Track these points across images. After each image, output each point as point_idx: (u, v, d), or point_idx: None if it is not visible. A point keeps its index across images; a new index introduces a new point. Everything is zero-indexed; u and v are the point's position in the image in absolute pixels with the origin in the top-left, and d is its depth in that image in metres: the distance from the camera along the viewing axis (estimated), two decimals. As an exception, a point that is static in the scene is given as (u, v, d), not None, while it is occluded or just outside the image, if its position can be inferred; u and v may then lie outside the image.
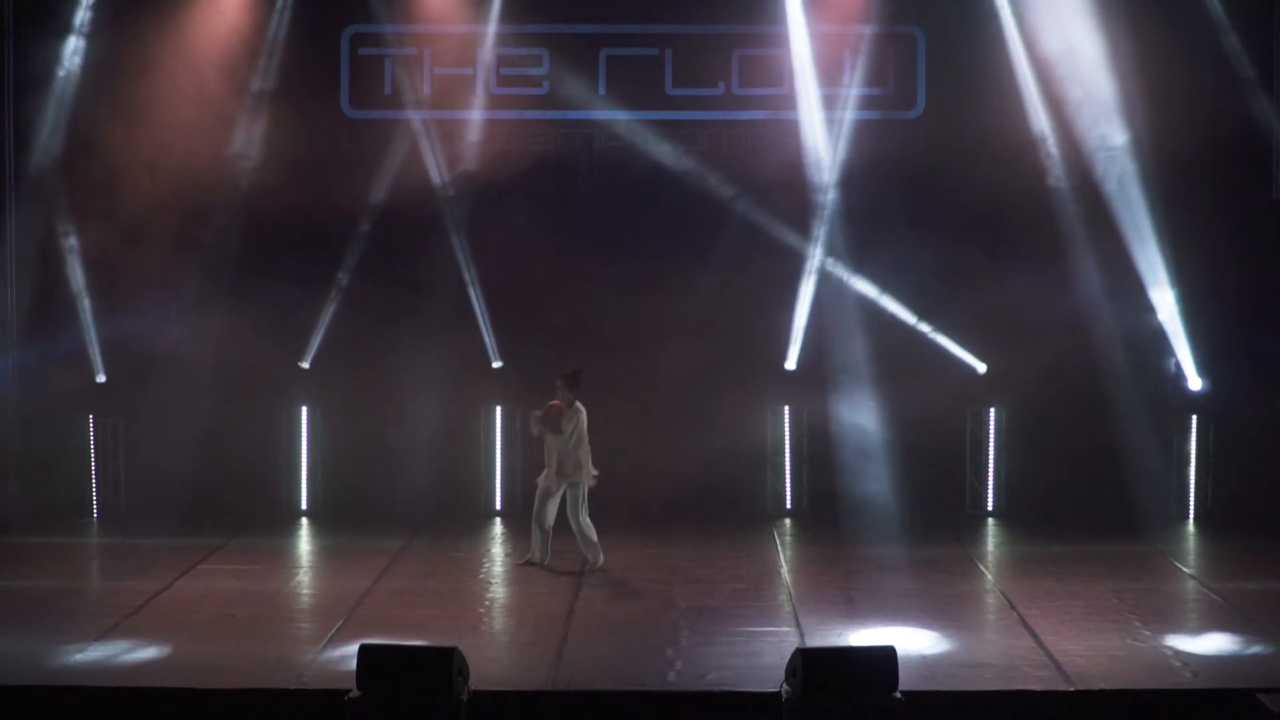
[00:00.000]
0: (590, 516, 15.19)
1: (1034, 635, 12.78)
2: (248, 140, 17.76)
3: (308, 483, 18.18)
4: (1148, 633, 12.92)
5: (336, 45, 18.11)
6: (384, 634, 12.23)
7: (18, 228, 17.63)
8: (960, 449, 18.11)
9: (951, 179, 17.50)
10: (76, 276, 17.86)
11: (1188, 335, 17.81)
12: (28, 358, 17.78)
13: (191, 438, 17.19)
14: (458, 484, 17.93)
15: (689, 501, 17.49)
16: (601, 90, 18.00)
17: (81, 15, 17.70)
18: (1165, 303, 17.72)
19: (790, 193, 17.94)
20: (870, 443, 17.71)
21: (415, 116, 17.98)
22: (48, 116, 17.68)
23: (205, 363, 17.28)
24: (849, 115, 17.91)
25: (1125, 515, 17.15)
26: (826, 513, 17.61)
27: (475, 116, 17.98)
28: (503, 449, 18.14)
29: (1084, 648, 12.36)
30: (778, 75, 18.03)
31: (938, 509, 17.73)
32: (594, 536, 15.18)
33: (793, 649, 10.80)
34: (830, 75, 17.90)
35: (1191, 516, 17.96)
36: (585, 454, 15.10)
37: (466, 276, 17.94)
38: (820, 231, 17.96)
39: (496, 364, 18.09)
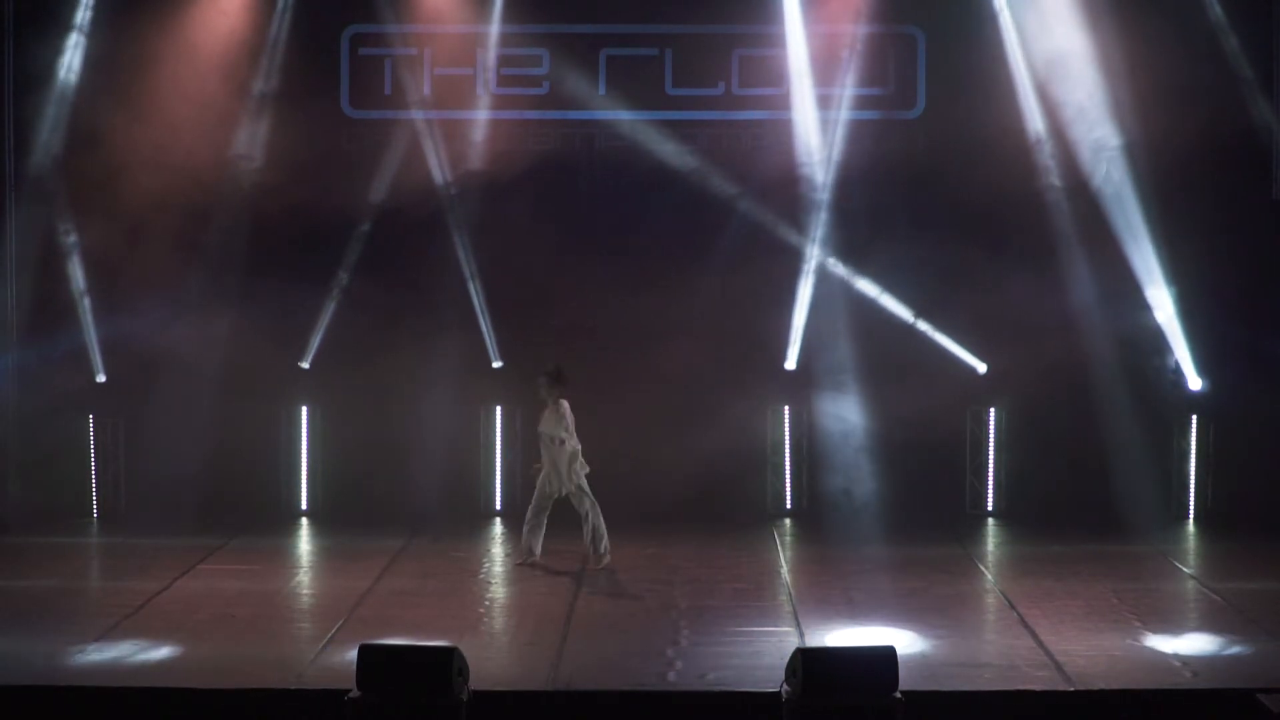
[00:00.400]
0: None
1: (1034, 635, 12.78)
2: (248, 140, 17.76)
3: (308, 483, 18.18)
4: (1148, 633, 12.92)
5: (337, 45, 18.11)
6: (384, 634, 12.23)
7: (18, 228, 17.63)
8: (960, 449, 18.10)
9: (951, 179, 17.50)
10: (77, 276, 17.87)
11: (1188, 335, 17.81)
12: (28, 358, 17.78)
13: (192, 438, 17.18)
14: (458, 484, 17.92)
15: (689, 501, 17.48)
16: (602, 90, 18.00)
17: (82, 15, 17.70)
18: (1165, 303, 17.72)
19: (790, 193, 17.94)
20: (870, 442, 17.71)
21: (415, 116, 17.98)
22: (48, 116, 17.69)
23: (206, 363, 17.28)
24: (849, 115, 17.91)
25: (1125, 515, 17.14)
26: (826, 513, 17.61)
27: (475, 116, 17.99)
28: (503, 449, 18.14)
29: (1084, 648, 12.37)
30: (778, 75, 18.02)
31: (938, 509, 17.74)
32: (604, 529, 15.19)
33: (793, 649, 10.80)
34: (830, 75, 17.89)
35: (1191, 516, 17.96)
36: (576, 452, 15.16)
37: (466, 276, 17.94)
38: (820, 231, 17.96)
39: (497, 364, 18.09)
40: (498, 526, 17.67)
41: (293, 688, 11.34)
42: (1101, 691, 11.30)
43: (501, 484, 18.17)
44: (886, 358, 17.68)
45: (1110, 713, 11.17)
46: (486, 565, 15.95)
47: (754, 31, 18.01)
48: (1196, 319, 17.77)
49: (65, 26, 17.69)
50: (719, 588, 14.62)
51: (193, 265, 17.55)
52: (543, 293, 17.80)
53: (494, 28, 17.89)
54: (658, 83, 18.08)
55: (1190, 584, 14.99)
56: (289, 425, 18.14)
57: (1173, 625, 13.30)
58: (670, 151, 17.89)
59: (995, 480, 18.18)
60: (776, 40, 17.94)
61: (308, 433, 18.17)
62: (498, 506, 18.15)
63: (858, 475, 17.71)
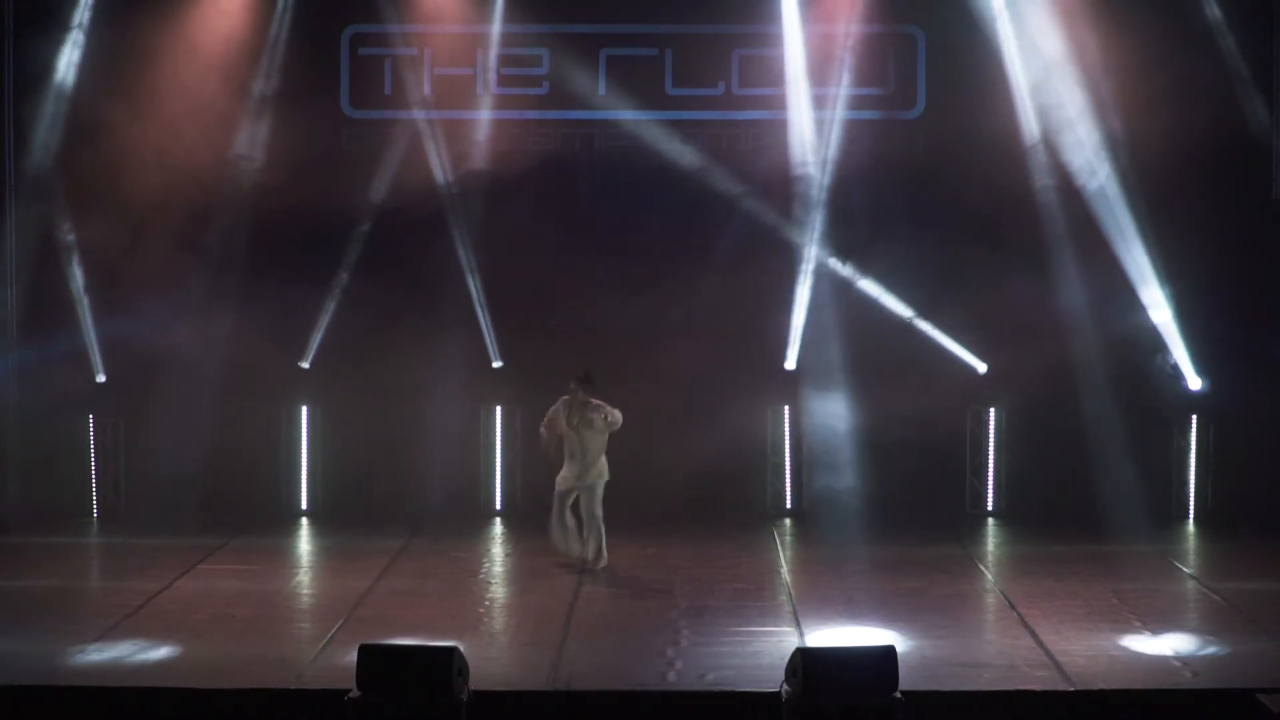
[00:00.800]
0: (593, 515, 15.27)
1: (1034, 635, 12.78)
2: (248, 140, 17.76)
3: (308, 483, 18.18)
4: (1148, 633, 12.93)
5: (337, 45, 18.11)
6: (384, 634, 12.23)
7: (18, 227, 17.63)
8: (960, 449, 18.11)
9: (951, 179, 17.50)
10: (76, 276, 17.86)
11: (1187, 335, 17.81)
12: (28, 358, 17.78)
13: (192, 438, 17.18)
14: (458, 484, 17.92)
15: (689, 501, 17.50)
16: (602, 90, 18.00)
17: (81, 14, 17.70)
18: (1164, 302, 17.72)
19: (790, 192, 17.94)
20: (870, 442, 17.70)
21: (416, 116, 17.98)
22: (47, 115, 17.68)
23: (206, 362, 17.28)
24: (849, 115, 17.91)
25: (1125, 515, 17.13)
26: (826, 512, 17.61)
27: (476, 116, 17.99)
28: (503, 449, 18.15)
29: (1084, 648, 12.37)
30: (778, 75, 18.02)
31: (938, 509, 17.74)
32: (603, 533, 15.18)
33: (793, 649, 10.81)
34: (830, 75, 17.89)
35: (1191, 516, 17.96)
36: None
37: (466, 276, 17.94)
38: (819, 231, 17.96)
39: (497, 364, 18.09)
40: (498, 526, 17.67)
41: (293, 688, 11.34)
42: (1101, 691, 11.31)
43: (501, 484, 18.16)
44: (886, 358, 17.68)
45: (1110, 713, 11.17)
46: (486, 565, 15.95)
47: (754, 31, 18.01)
48: (1196, 318, 17.77)
49: (65, 26, 17.68)
50: (719, 588, 14.61)
51: (193, 265, 17.55)
52: (543, 293, 17.80)
53: (494, 27, 17.89)
54: (658, 83, 18.09)
55: (1190, 584, 14.99)
56: (289, 425, 18.14)
57: (1173, 625, 13.29)
58: (670, 151, 17.89)
59: (995, 480, 18.18)
60: (776, 40, 17.94)
61: (308, 433, 18.17)
62: (498, 506, 18.14)
63: (858, 475, 17.70)
